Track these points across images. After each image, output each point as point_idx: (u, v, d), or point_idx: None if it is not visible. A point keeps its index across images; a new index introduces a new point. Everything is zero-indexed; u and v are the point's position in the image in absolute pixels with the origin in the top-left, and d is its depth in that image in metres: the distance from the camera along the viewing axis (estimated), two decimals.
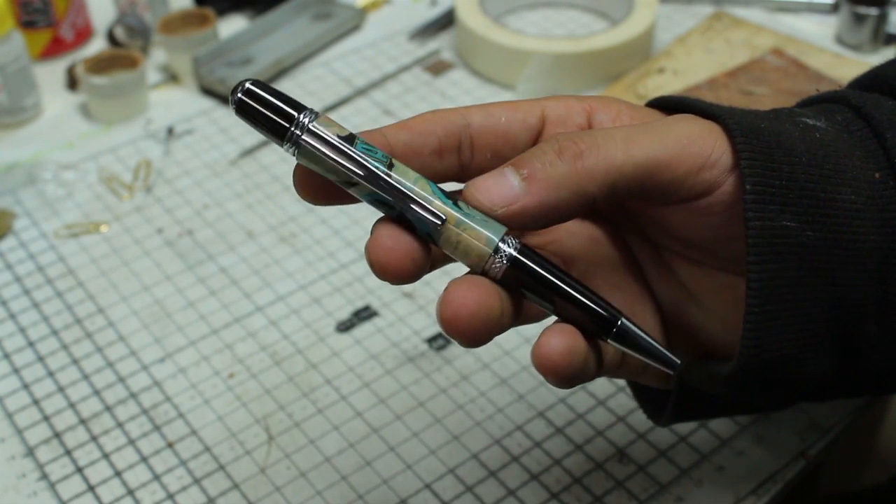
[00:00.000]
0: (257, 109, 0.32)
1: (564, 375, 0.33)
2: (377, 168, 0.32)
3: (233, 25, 0.86)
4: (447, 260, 0.36)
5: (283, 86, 0.79)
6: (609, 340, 0.33)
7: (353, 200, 0.35)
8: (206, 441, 0.51)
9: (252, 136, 0.73)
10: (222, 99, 0.77)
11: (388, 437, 0.50)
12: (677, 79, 0.75)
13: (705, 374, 0.38)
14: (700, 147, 0.35)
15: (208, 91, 0.78)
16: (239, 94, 0.32)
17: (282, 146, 0.33)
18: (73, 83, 0.79)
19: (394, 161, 0.33)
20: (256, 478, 0.49)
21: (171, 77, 0.80)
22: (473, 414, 0.51)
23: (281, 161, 0.71)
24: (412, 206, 0.32)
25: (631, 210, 0.38)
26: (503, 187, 0.33)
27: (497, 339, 0.57)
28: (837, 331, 0.36)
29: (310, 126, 0.32)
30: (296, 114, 0.32)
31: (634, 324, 0.34)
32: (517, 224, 0.33)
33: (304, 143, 0.32)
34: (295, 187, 0.35)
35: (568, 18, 0.87)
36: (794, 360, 0.36)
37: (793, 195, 0.34)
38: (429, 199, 0.32)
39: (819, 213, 0.34)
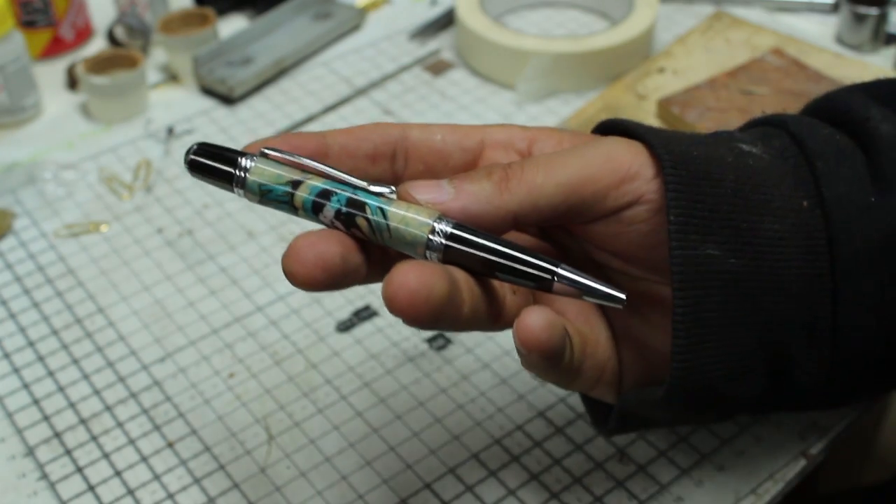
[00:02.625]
0: (206, 165, 0.36)
1: (548, 349, 0.34)
2: (322, 164, 0.36)
3: (233, 25, 0.86)
4: (382, 272, 0.37)
5: (284, 85, 0.79)
6: (555, 285, 0.34)
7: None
8: (206, 441, 0.51)
9: (252, 136, 0.73)
10: (222, 99, 0.77)
11: (388, 437, 0.50)
12: (677, 79, 0.75)
13: (640, 399, 0.40)
14: (619, 163, 0.36)
15: (208, 91, 0.78)
16: (190, 155, 0.36)
17: (232, 187, 0.36)
18: (73, 83, 0.79)
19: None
20: (256, 478, 0.49)
21: (171, 77, 0.80)
22: (473, 414, 0.51)
23: None
24: (363, 185, 0.35)
25: (569, 229, 0.40)
26: (435, 189, 0.35)
27: (497, 338, 0.57)
28: (766, 353, 0.37)
29: (252, 161, 0.36)
30: (237, 157, 0.36)
31: (573, 269, 0.34)
32: None
33: (255, 164, 0.36)
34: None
35: (568, 18, 0.87)
36: (723, 382, 0.38)
37: (715, 225, 0.35)
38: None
39: (741, 241, 0.36)
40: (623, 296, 0.34)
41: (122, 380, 0.54)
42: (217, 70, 0.78)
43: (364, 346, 0.56)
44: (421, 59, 0.82)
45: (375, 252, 0.36)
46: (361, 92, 0.78)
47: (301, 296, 0.59)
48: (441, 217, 0.35)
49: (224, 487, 0.48)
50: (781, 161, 0.37)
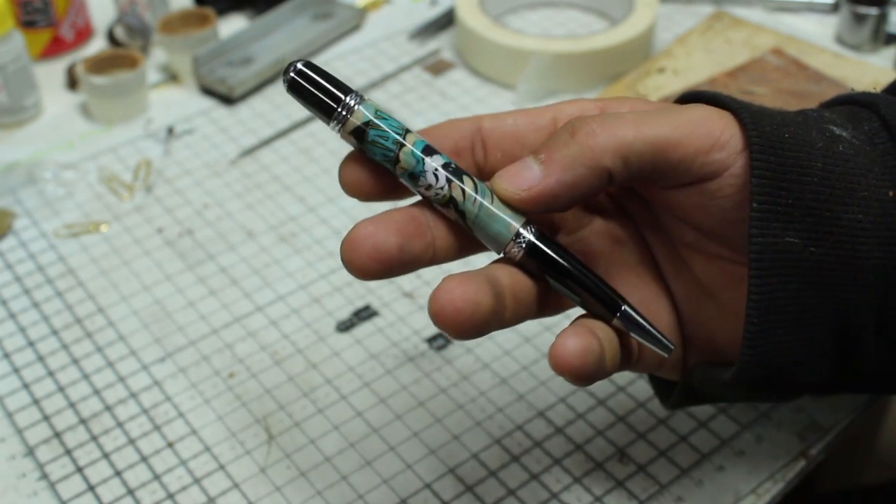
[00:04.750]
0: (308, 89, 0.35)
1: (581, 374, 0.34)
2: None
3: (233, 25, 0.86)
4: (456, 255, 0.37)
5: (283, 86, 0.79)
6: (613, 322, 0.36)
7: (399, 196, 0.37)
8: (206, 441, 0.51)
9: (252, 136, 0.73)
10: (222, 98, 0.77)
11: (388, 437, 0.50)
12: (677, 79, 0.75)
13: (707, 378, 0.40)
14: (709, 129, 0.36)
15: (208, 91, 0.78)
16: (291, 74, 0.35)
17: (328, 125, 0.35)
18: (73, 83, 0.79)
19: (406, 137, 0.35)
20: (256, 478, 0.49)
21: (171, 77, 0.80)
22: (473, 414, 0.51)
23: (281, 161, 0.71)
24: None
25: (647, 198, 0.39)
26: (524, 172, 0.35)
27: (497, 338, 0.57)
28: (836, 340, 0.37)
29: (359, 102, 0.35)
30: (343, 96, 0.35)
31: (635, 310, 0.36)
32: (540, 205, 0.35)
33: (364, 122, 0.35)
34: (342, 185, 0.37)
35: (568, 18, 0.87)
36: (792, 367, 0.37)
37: (798, 213, 0.35)
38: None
39: (823, 230, 0.35)
40: (672, 346, 0.36)
41: (122, 380, 0.54)
42: (217, 70, 0.78)
43: (364, 346, 0.56)
44: (421, 59, 0.82)
45: (446, 238, 0.36)
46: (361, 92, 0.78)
47: (301, 296, 0.59)
48: (528, 223, 0.35)
49: (224, 487, 0.48)
50: (870, 147, 0.37)
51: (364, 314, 0.58)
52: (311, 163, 0.70)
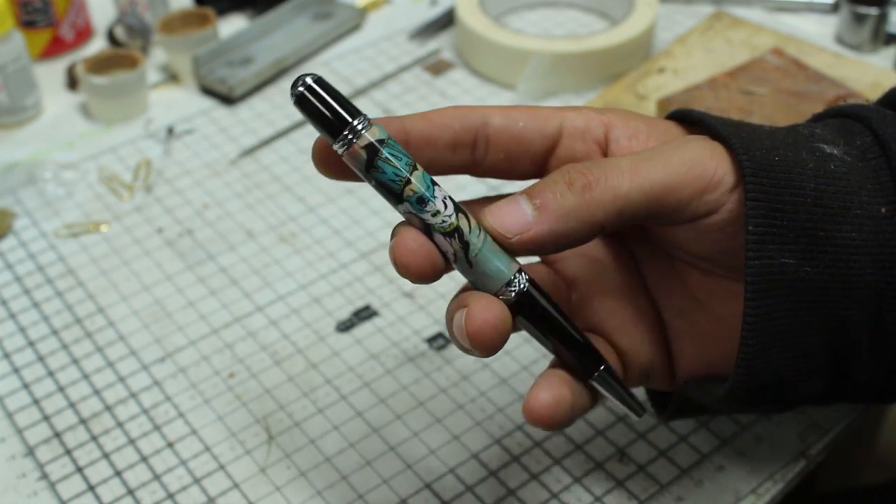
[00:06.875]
0: (316, 107, 0.34)
1: (552, 424, 0.36)
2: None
3: (233, 25, 0.86)
4: None
5: (284, 85, 0.79)
6: (590, 381, 0.37)
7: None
8: (206, 441, 0.51)
9: (252, 136, 0.73)
10: (222, 99, 0.77)
11: (388, 437, 0.50)
12: (677, 79, 0.75)
13: (702, 392, 0.40)
14: (703, 170, 0.36)
15: (208, 91, 0.78)
16: (300, 88, 0.34)
17: (333, 145, 0.35)
18: (73, 83, 0.79)
19: (417, 165, 0.35)
20: (256, 478, 0.49)
21: (171, 77, 0.80)
22: (473, 414, 0.51)
23: (281, 161, 0.71)
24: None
25: (640, 225, 0.39)
26: (517, 215, 0.35)
27: None
28: (830, 356, 0.37)
29: (363, 134, 0.34)
30: (350, 119, 0.34)
31: (613, 373, 0.37)
32: (529, 250, 0.35)
33: (360, 147, 0.34)
34: (314, 161, 0.37)
35: (568, 18, 0.87)
36: (786, 383, 0.38)
37: (792, 234, 0.35)
38: (464, 229, 0.35)
39: (817, 250, 0.35)
40: (644, 411, 0.38)
41: (122, 380, 0.54)
42: (217, 70, 0.78)
43: (364, 346, 0.56)
44: (421, 59, 0.82)
45: None
46: (361, 92, 0.78)
47: (301, 296, 0.59)
48: (521, 270, 0.35)
49: (224, 487, 0.48)
50: (862, 163, 0.37)
51: (364, 314, 0.58)
52: (310, 163, 0.70)
